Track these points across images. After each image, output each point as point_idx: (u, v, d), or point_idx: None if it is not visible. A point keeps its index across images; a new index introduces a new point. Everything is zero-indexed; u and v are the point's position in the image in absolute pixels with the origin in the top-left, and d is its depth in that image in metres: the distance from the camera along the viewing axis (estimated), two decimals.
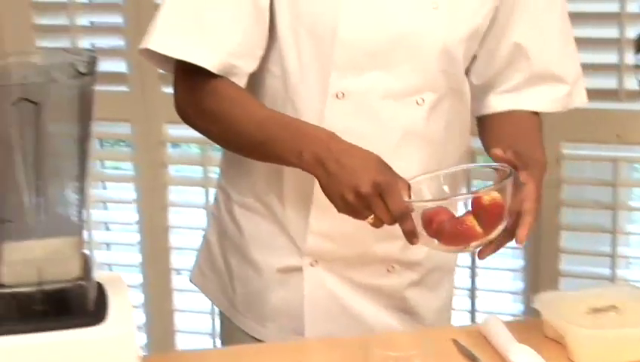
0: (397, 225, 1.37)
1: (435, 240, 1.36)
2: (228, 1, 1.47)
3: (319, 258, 1.58)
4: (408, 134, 1.50)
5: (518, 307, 2.52)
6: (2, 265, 1.21)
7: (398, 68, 1.48)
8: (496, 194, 1.32)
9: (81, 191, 1.23)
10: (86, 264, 1.24)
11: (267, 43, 1.51)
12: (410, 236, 1.35)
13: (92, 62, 1.18)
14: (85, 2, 2.60)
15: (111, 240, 2.78)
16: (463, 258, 2.48)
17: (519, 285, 2.50)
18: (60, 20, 2.58)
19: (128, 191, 2.69)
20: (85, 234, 1.26)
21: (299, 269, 1.58)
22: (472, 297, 2.51)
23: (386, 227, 1.40)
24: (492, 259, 2.50)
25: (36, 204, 1.21)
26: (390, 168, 1.37)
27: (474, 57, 1.58)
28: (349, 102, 1.48)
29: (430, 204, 1.36)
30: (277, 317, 1.62)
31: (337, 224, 1.50)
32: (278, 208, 1.58)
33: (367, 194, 1.33)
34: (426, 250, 1.57)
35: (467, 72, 1.58)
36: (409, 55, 1.48)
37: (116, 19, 2.52)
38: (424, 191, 1.40)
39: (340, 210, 1.38)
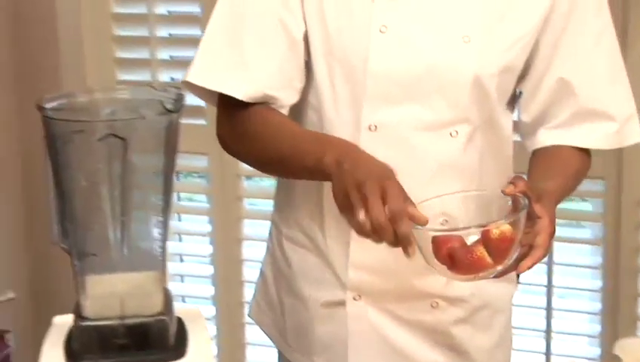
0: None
1: (445, 267, 1.32)
2: (263, 34, 1.50)
3: (362, 292, 1.57)
4: (443, 166, 1.49)
5: (595, 351, 2.47)
6: (86, 299, 1.23)
7: (430, 100, 1.48)
8: (506, 228, 1.29)
9: (164, 225, 1.25)
10: (167, 298, 1.25)
11: (306, 75, 1.53)
12: (405, 243, 1.30)
13: (179, 100, 1.20)
14: (166, 36, 2.63)
15: (185, 272, 2.80)
16: (538, 299, 2.45)
17: (596, 328, 2.46)
18: (141, 54, 2.62)
19: (203, 223, 2.71)
20: None
21: (343, 303, 1.58)
22: (548, 339, 2.47)
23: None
24: (569, 301, 2.52)
25: (120, 237, 1.22)
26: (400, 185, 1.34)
27: (520, 93, 1.57)
28: (382, 134, 1.48)
29: (433, 233, 1.32)
30: (323, 351, 1.61)
31: (377, 256, 1.49)
32: (321, 241, 1.58)
33: (369, 190, 1.29)
34: (471, 286, 1.55)
35: (513, 108, 1.57)
36: (440, 87, 1.47)
37: (194, 53, 2.54)
38: (453, 211, 1.37)
39: (339, 208, 1.34)
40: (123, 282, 1.23)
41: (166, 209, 1.24)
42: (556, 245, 2.38)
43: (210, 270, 2.70)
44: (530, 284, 2.46)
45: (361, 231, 1.30)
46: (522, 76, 1.55)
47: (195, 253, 2.79)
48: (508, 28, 1.49)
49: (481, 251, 1.29)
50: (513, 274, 1.64)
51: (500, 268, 1.31)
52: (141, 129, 1.19)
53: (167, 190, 1.23)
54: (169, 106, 1.19)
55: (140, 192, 1.22)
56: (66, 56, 2.62)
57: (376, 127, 1.48)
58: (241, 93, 1.49)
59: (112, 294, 1.22)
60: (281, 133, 1.49)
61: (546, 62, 1.52)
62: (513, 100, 1.57)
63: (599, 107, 1.54)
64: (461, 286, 1.55)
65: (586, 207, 2.52)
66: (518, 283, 1.71)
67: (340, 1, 1.48)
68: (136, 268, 1.24)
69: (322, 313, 1.59)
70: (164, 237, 1.25)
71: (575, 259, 2.50)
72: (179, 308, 1.29)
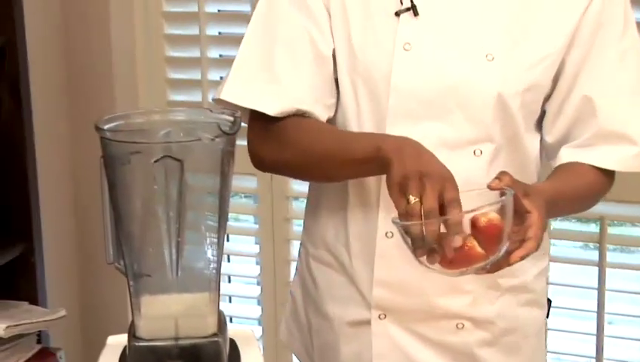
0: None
1: (437, 263, 1.32)
2: (294, 50, 1.52)
3: (386, 310, 1.56)
4: (468, 185, 1.45)
5: None
6: (140, 319, 1.24)
7: (452, 117, 1.48)
8: (493, 216, 1.29)
9: (219, 247, 1.25)
10: (220, 320, 1.26)
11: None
12: (455, 230, 1.29)
13: (235, 122, 1.21)
14: (216, 57, 2.65)
15: (232, 293, 2.81)
16: (587, 324, 2.42)
17: None
18: (192, 75, 2.64)
19: (250, 244, 2.71)
20: None
21: (368, 322, 1.57)
22: None
23: (451, 281, 1.41)
24: (620, 328, 2.49)
25: (175, 258, 1.23)
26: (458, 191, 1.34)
27: (544, 112, 1.55)
28: None
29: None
30: None
31: (401, 275, 1.50)
32: (346, 259, 1.58)
33: (431, 183, 1.30)
34: (497, 308, 1.56)
35: (540, 128, 1.56)
36: (463, 105, 1.47)
37: None
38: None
39: (393, 188, 1.33)
40: (177, 303, 1.24)
41: (220, 230, 1.24)
42: (608, 271, 2.36)
43: (257, 291, 2.71)
44: (580, 310, 2.44)
45: (406, 215, 1.29)
46: (548, 96, 1.54)
47: (242, 274, 2.80)
48: (532, 46, 1.49)
49: (471, 241, 1.30)
50: (543, 299, 1.65)
51: (491, 258, 1.30)
52: (197, 151, 1.20)
53: (222, 211, 1.24)
54: (225, 129, 1.19)
55: (195, 213, 1.23)
56: (119, 78, 2.65)
57: None
58: (273, 110, 1.50)
59: (166, 315, 1.23)
60: (324, 132, 1.51)
61: (571, 81, 1.52)
62: (540, 121, 1.56)
63: (620, 129, 1.52)
64: (487, 308, 1.55)
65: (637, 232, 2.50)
66: (550, 308, 1.69)
67: (365, 19, 1.50)
68: (190, 289, 1.25)
69: (348, 332, 1.59)
70: (219, 259, 1.26)
71: (627, 286, 2.47)
72: (232, 329, 1.30)
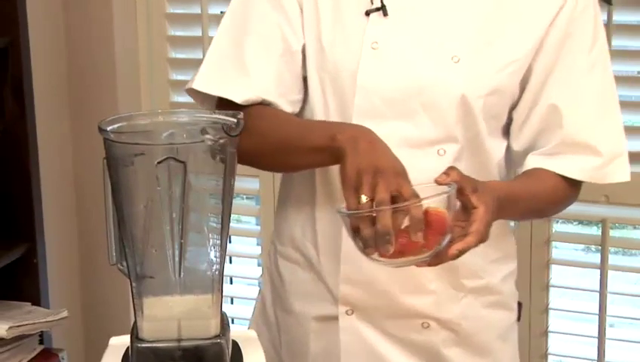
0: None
1: (376, 253, 1.33)
2: (264, 43, 1.54)
3: (354, 307, 1.57)
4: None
5: None
6: (142, 320, 1.23)
7: (417, 117, 1.49)
8: (433, 208, 1.31)
9: (222, 248, 1.25)
10: (223, 321, 1.26)
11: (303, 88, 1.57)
12: (418, 227, 1.30)
13: (239, 124, 1.20)
14: None
15: (234, 294, 2.80)
16: (588, 327, 2.42)
17: None
18: None
19: (252, 246, 2.70)
20: None
21: (336, 318, 1.58)
22: None
23: (415, 280, 1.47)
24: (621, 331, 2.48)
25: (178, 260, 1.22)
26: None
27: (511, 120, 1.56)
28: None
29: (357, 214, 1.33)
30: None
31: (366, 272, 1.52)
32: (314, 256, 1.59)
33: (385, 180, 1.32)
34: (461, 309, 1.57)
35: (508, 135, 1.57)
36: (427, 105, 1.48)
37: None
38: None
39: (345, 182, 1.35)
40: (180, 304, 1.23)
41: (223, 232, 1.24)
42: (610, 274, 2.36)
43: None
44: (582, 313, 2.44)
45: (356, 216, 1.31)
46: (515, 104, 1.55)
47: (244, 275, 2.79)
48: (499, 51, 1.50)
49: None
50: (512, 302, 1.67)
51: (433, 249, 1.31)
52: (200, 152, 1.19)
53: (224, 213, 1.23)
54: (229, 131, 1.19)
55: (197, 215, 1.23)
56: (122, 80, 2.65)
57: None
58: (240, 98, 1.53)
59: (169, 316, 1.23)
60: (284, 119, 1.53)
61: (538, 89, 1.52)
62: (507, 128, 1.57)
63: (585, 139, 1.53)
64: (451, 309, 1.56)
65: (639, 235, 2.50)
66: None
67: (335, 17, 1.52)
68: (193, 290, 1.24)
69: (315, 328, 1.61)
70: (221, 260, 1.25)
71: (629, 288, 2.47)
72: (234, 331, 1.29)
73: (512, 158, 1.59)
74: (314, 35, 1.53)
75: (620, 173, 1.56)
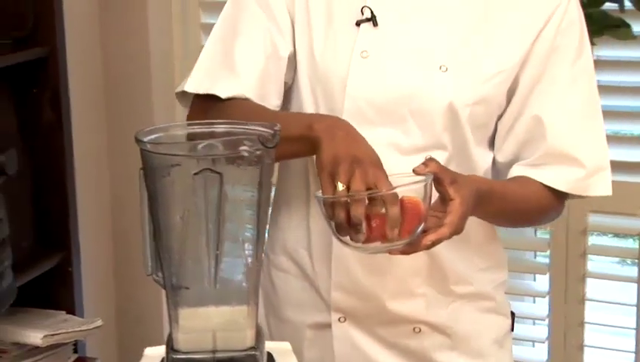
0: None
1: (348, 238, 1.35)
2: (252, 47, 1.56)
3: (346, 314, 1.58)
4: None
5: None
6: (178, 331, 1.23)
7: (405, 125, 1.51)
8: (411, 195, 1.32)
9: (257, 259, 1.24)
10: (258, 333, 1.25)
11: (290, 95, 1.58)
12: (395, 223, 1.31)
13: (275, 136, 1.20)
14: None
15: None
16: (625, 341, 2.39)
17: None
18: None
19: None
20: None
21: (329, 326, 1.59)
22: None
23: (403, 285, 1.51)
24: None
25: (214, 271, 1.22)
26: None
27: (495, 131, 1.57)
28: None
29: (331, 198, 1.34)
30: None
31: (356, 278, 1.54)
32: (307, 264, 1.60)
33: (360, 165, 1.34)
34: (452, 313, 1.58)
35: (491, 146, 1.58)
36: (415, 113, 1.50)
37: None
38: None
39: (321, 169, 1.37)
40: (215, 316, 1.23)
41: (259, 243, 1.24)
42: None
43: (544, 332, 2.60)
44: (618, 327, 2.42)
45: (330, 202, 1.33)
46: (501, 115, 1.55)
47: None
48: (486, 61, 1.51)
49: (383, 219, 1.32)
50: (505, 310, 1.67)
51: (405, 238, 1.32)
52: (237, 163, 1.19)
53: (260, 223, 1.23)
54: (267, 143, 1.19)
55: (234, 225, 1.22)
56: (157, 89, 2.66)
57: None
58: (225, 93, 1.54)
59: (204, 328, 1.22)
60: (262, 111, 1.53)
61: (522, 101, 1.54)
62: (493, 140, 1.58)
63: (568, 151, 1.53)
64: (441, 313, 1.57)
65: None
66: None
67: (327, 27, 1.54)
68: (228, 301, 1.24)
69: (309, 336, 1.62)
70: (257, 271, 1.25)
71: None
72: (269, 343, 1.29)
73: (497, 171, 1.60)
74: (306, 44, 1.55)
75: (602, 186, 1.57)
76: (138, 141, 1.20)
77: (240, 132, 1.23)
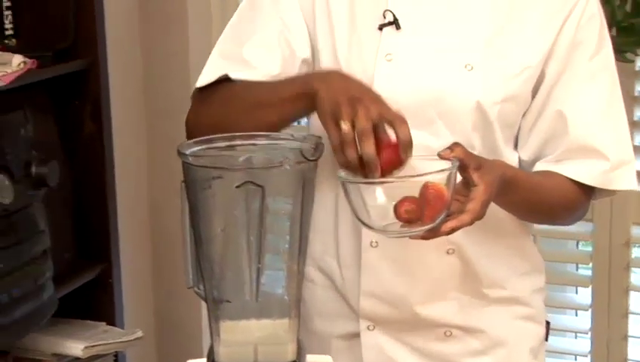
0: None
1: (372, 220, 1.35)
2: (265, 44, 1.55)
3: (375, 321, 1.57)
4: None
5: None
6: (219, 345, 1.23)
7: (434, 126, 1.50)
8: (432, 183, 1.31)
9: (299, 272, 1.24)
10: (299, 347, 1.25)
11: None
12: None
13: (318, 149, 1.20)
14: None
15: None
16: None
17: None
18: None
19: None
20: None
21: (358, 335, 1.58)
22: None
23: (434, 288, 1.50)
24: None
25: (255, 284, 1.22)
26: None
27: (519, 129, 1.56)
28: None
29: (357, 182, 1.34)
30: None
31: (386, 284, 1.52)
32: (336, 273, 1.59)
33: (361, 102, 1.33)
34: (486, 317, 1.56)
35: (516, 145, 1.57)
36: (443, 114, 1.49)
37: None
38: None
39: (323, 120, 1.36)
40: (257, 329, 1.23)
41: (301, 256, 1.23)
42: None
43: (586, 345, 2.58)
44: None
45: (339, 144, 1.33)
46: (526, 112, 1.55)
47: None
48: (512, 59, 1.51)
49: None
50: (541, 317, 1.64)
51: (428, 224, 1.31)
52: (279, 176, 1.19)
53: (302, 236, 1.23)
54: (309, 156, 1.19)
55: (275, 238, 1.22)
56: None
57: None
58: (236, 76, 1.53)
59: (245, 341, 1.22)
60: (257, 82, 1.52)
61: (545, 96, 1.53)
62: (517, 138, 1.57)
63: (591, 144, 1.52)
64: (475, 316, 1.56)
65: None
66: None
67: (350, 33, 1.53)
68: (270, 315, 1.24)
69: (338, 346, 1.60)
70: (298, 284, 1.25)
71: None
72: (310, 357, 1.28)
73: (521, 169, 1.58)
74: (329, 50, 1.55)
75: (627, 180, 1.55)
76: (180, 154, 1.20)
77: (282, 145, 1.23)
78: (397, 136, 1.33)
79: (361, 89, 1.39)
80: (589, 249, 2.53)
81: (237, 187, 1.17)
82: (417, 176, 1.32)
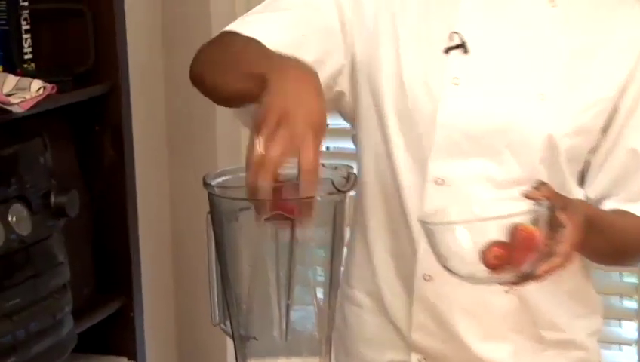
0: None
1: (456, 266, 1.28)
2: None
3: (427, 355, 1.54)
4: None
5: None
6: None
7: (500, 156, 1.47)
8: (523, 226, 1.26)
9: (330, 308, 1.23)
10: None
11: (366, 119, 1.53)
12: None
13: (350, 179, 1.19)
14: None
15: None
16: None
17: None
18: None
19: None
20: None
21: None
22: None
23: (491, 326, 1.48)
24: None
25: (285, 320, 1.20)
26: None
27: (588, 164, 1.52)
28: (450, 189, 1.47)
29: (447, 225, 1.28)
30: None
31: (439, 318, 1.50)
32: (387, 298, 1.56)
33: (289, 125, 1.16)
34: (539, 360, 1.54)
35: (583, 182, 1.53)
36: (511, 143, 1.46)
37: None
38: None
39: (253, 118, 1.20)
40: None
41: (332, 291, 1.22)
42: None
43: None
44: None
45: (249, 157, 1.16)
46: (594, 149, 1.51)
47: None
48: (585, 88, 1.48)
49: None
50: (598, 359, 1.62)
51: (519, 267, 1.26)
52: None
53: (334, 270, 1.22)
54: (339, 186, 1.17)
55: (305, 272, 1.21)
56: (221, 126, 2.66)
57: (443, 181, 1.47)
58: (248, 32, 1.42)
59: None
60: (251, 44, 1.39)
61: (618, 132, 1.50)
62: (583, 177, 1.53)
63: None
64: (530, 360, 1.53)
65: None
66: None
67: (416, 55, 1.50)
68: (299, 353, 1.23)
69: None
70: (330, 319, 1.24)
71: None
72: None
73: None
74: (393, 71, 1.50)
75: None
76: (205, 184, 1.19)
77: None
78: (299, 180, 1.16)
79: (306, 101, 1.21)
80: (634, 280, 2.49)
81: (266, 220, 1.16)
82: (506, 217, 1.27)
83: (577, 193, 1.52)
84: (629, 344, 2.52)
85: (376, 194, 1.55)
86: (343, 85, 1.53)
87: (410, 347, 1.55)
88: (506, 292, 1.48)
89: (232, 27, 1.47)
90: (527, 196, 1.30)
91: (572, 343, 1.57)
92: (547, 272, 1.30)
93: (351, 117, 1.58)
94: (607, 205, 1.51)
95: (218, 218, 1.20)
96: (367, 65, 1.52)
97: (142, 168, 2.36)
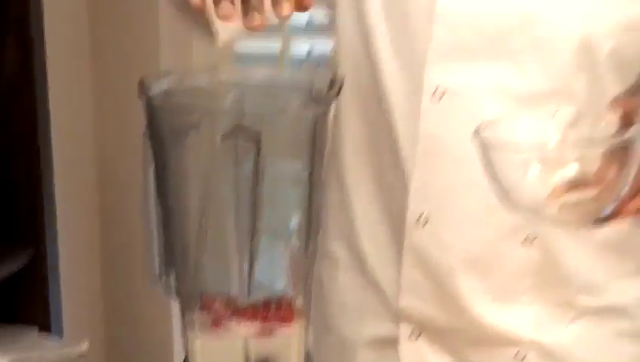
0: None
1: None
2: None
3: (421, 327, 1.56)
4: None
5: None
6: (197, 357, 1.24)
7: (520, 60, 1.48)
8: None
9: (307, 259, 1.25)
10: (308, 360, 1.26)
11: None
12: None
13: (334, 84, 1.20)
14: None
15: None
16: None
17: None
18: None
19: None
20: None
21: (394, 341, 1.58)
22: None
23: (503, 287, 1.50)
24: None
25: (247, 275, 1.22)
26: None
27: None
28: (453, 103, 1.49)
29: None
30: None
31: (437, 276, 1.51)
32: (367, 249, 1.59)
33: None
34: (575, 333, 1.55)
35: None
36: (535, 46, 1.47)
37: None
38: None
39: None
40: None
41: (311, 237, 1.24)
42: None
43: None
44: None
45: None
46: None
47: None
48: None
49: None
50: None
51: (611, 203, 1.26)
52: (280, 124, 1.19)
53: (313, 212, 1.23)
54: (319, 94, 1.18)
55: (275, 213, 1.22)
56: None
57: (444, 92, 1.48)
58: None
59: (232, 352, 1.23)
60: None
61: None
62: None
63: None
64: (559, 332, 1.55)
65: None
66: None
67: None
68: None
69: (364, 357, 1.61)
70: (307, 276, 1.25)
71: None
72: None
73: None
74: None
75: None
76: (141, 92, 1.19)
77: (285, 81, 1.22)
78: None
79: None
80: None
81: (222, 139, 1.17)
82: (593, 142, 1.27)
83: None
84: None
85: (355, 109, 1.57)
86: None
87: (398, 316, 1.57)
88: (526, 242, 1.49)
89: None
90: (613, 106, 1.31)
91: (614, 310, 1.59)
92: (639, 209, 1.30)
93: None
94: None
95: (158, 138, 1.21)
96: None
97: (56, 76, 2.36)
